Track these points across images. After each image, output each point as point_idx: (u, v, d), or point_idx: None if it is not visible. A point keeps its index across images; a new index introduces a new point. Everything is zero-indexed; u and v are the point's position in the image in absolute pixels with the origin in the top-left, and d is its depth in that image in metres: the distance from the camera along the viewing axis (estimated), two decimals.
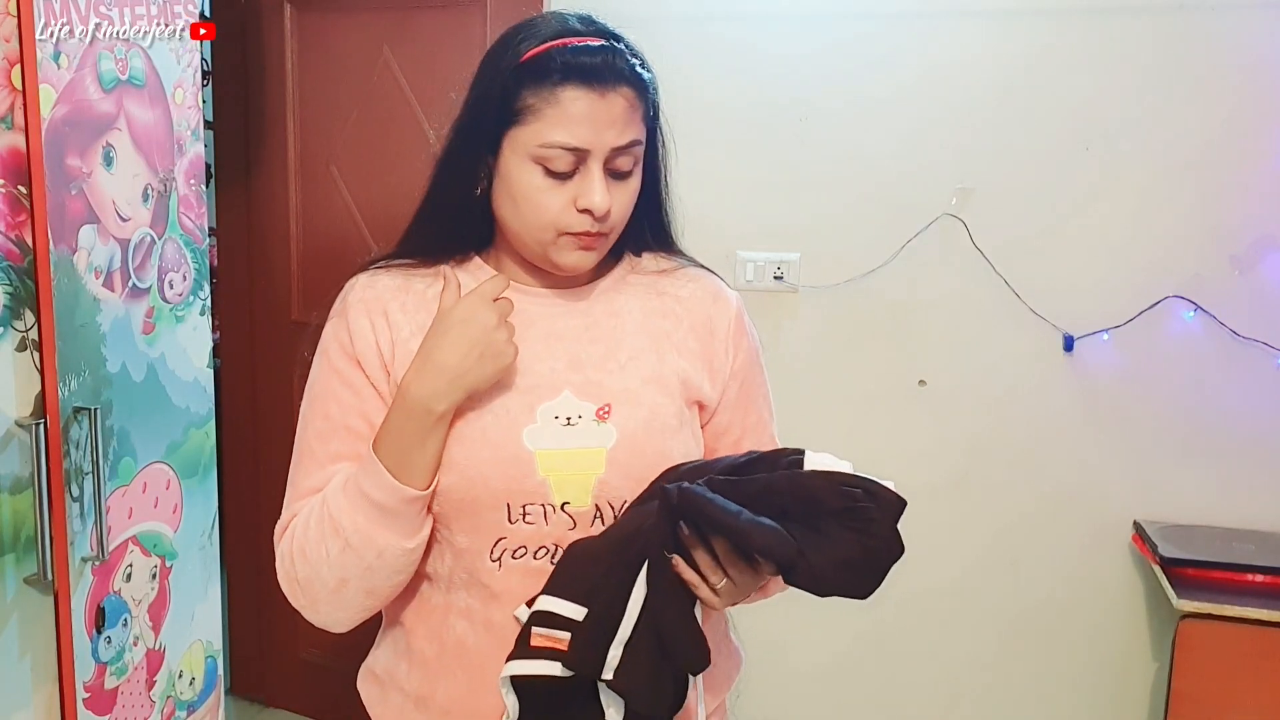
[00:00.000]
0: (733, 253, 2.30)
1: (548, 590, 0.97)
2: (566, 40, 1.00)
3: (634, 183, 1.04)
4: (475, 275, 1.10)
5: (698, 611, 0.95)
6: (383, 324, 1.06)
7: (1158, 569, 2.04)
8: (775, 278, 2.31)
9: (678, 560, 0.92)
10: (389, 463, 0.98)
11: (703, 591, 0.93)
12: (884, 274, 2.27)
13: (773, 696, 2.44)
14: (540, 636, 0.95)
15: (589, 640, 0.93)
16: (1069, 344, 2.21)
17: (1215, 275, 2.14)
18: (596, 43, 1.00)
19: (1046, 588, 2.29)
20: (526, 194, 1.01)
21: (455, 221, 1.09)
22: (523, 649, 0.96)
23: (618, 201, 1.02)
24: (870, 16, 2.22)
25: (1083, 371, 2.22)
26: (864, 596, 0.91)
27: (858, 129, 2.25)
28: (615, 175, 1.02)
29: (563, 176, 1.00)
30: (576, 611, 0.94)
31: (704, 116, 2.27)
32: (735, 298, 1.16)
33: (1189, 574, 1.98)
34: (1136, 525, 2.19)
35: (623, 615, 0.93)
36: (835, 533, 0.88)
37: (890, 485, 0.90)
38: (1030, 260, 2.21)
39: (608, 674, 0.92)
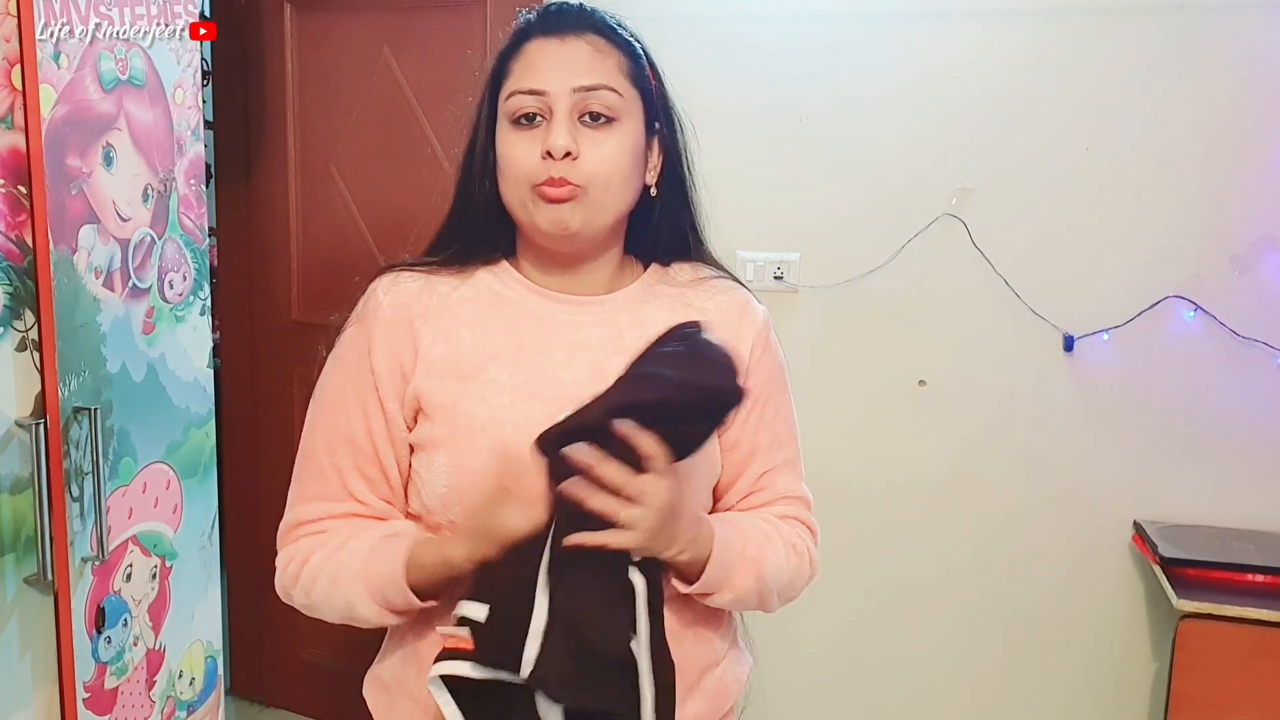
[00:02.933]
0: (733, 253, 2.29)
1: (463, 594, 0.96)
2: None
3: (616, 137, 1.03)
4: (501, 278, 1.10)
5: (638, 607, 0.95)
6: (405, 336, 1.06)
7: (1158, 569, 2.04)
8: (775, 278, 2.31)
9: (583, 534, 0.91)
10: (415, 583, 1.00)
11: (615, 539, 0.91)
12: (884, 274, 2.27)
13: (771, 695, 2.44)
14: (447, 637, 0.94)
15: (495, 637, 0.92)
16: (1069, 344, 2.21)
17: (1215, 275, 2.14)
18: (561, 4, 1.06)
19: (1046, 588, 2.29)
20: (503, 153, 1.04)
21: (477, 221, 1.09)
22: (441, 651, 0.95)
23: (593, 152, 1.01)
24: (870, 16, 2.22)
25: (1083, 371, 2.22)
26: (728, 398, 0.94)
27: (858, 129, 2.25)
28: (590, 123, 1.02)
29: (530, 126, 1.02)
30: (479, 611, 0.93)
31: (704, 116, 2.24)
32: (762, 313, 1.14)
33: (1189, 574, 1.98)
34: (1136, 525, 2.19)
35: (531, 613, 0.91)
36: (649, 370, 0.93)
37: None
38: (1030, 260, 2.21)
39: (524, 671, 0.90)
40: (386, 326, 1.06)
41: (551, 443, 0.92)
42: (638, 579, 0.96)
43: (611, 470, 0.90)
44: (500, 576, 0.94)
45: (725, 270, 1.16)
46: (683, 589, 1.04)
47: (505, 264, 1.11)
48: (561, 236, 1.04)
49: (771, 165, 2.30)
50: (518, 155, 1.02)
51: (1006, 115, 2.19)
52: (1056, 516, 2.26)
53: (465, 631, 0.93)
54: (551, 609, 0.91)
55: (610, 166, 1.02)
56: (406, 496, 1.09)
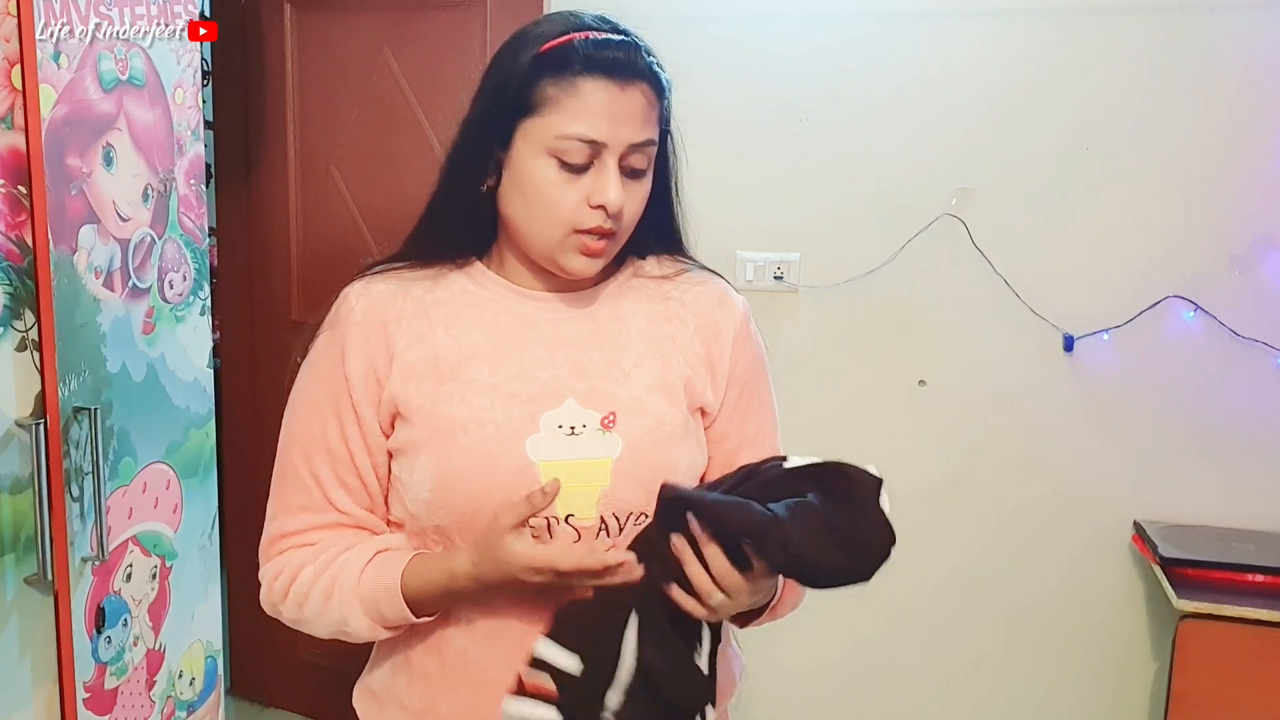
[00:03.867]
0: (733, 253, 2.29)
1: (549, 634, 0.95)
2: (588, 33, 0.99)
3: (646, 185, 1.03)
4: (476, 279, 1.08)
5: (702, 654, 0.95)
6: (379, 341, 1.04)
7: (1158, 569, 2.03)
8: (775, 278, 2.31)
9: (673, 587, 0.92)
10: (412, 596, 1.00)
11: (698, 610, 0.92)
12: (884, 274, 2.27)
13: (771, 697, 2.44)
14: (531, 681, 0.93)
15: (584, 691, 0.92)
16: (1069, 344, 2.21)
17: (1215, 275, 2.13)
18: (618, 37, 1.00)
19: (1046, 588, 2.29)
20: (539, 188, 1.00)
21: (461, 221, 1.07)
22: (520, 687, 0.94)
23: (629, 202, 1.01)
24: (870, 16, 2.22)
25: (1083, 371, 2.22)
26: (858, 577, 0.90)
27: (858, 129, 2.25)
28: (628, 175, 1.00)
29: (577, 170, 0.99)
30: (572, 663, 0.93)
31: (704, 116, 2.27)
32: (741, 302, 1.14)
33: (1189, 574, 1.98)
34: (1136, 525, 2.19)
35: (618, 661, 0.92)
36: (810, 510, 0.89)
37: (870, 468, 0.92)
38: (1030, 260, 2.21)
39: (608, 716, 0.92)
40: (360, 332, 1.05)
41: (676, 500, 0.92)
42: (706, 634, 0.97)
43: (717, 558, 0.91)
44: (593, 623, 0.94)
45: (696, 262, 1.16)
46: (736, 629, 1.06)
47: (478, 264, 1.09)
48: (584, 278, 1.05)
49: (771, 165, 2.30)
50: (563, 198, 0.99)
51: (1006, 115, 2.19)
52: (1056, 516, 2.26)
53: (546, 676, 0.93)
54: (638, 660, 0.92)
55: (639, 212, 1.03)
56: (387, 504, 1.08)
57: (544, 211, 1.00)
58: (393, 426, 1.05)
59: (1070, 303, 2.20)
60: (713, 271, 1.16)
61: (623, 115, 0.98)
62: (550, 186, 0.99)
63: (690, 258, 1.15)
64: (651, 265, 1.13)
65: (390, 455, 1.05)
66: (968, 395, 2.28)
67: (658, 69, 1.02)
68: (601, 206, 0.98)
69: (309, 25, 2.52)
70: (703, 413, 1.09)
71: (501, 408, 1.01)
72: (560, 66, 0.98)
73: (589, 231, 1.00)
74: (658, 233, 1.12)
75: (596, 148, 0.98)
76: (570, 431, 1.01)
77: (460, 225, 1.07)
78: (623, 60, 0.98)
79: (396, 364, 1.04)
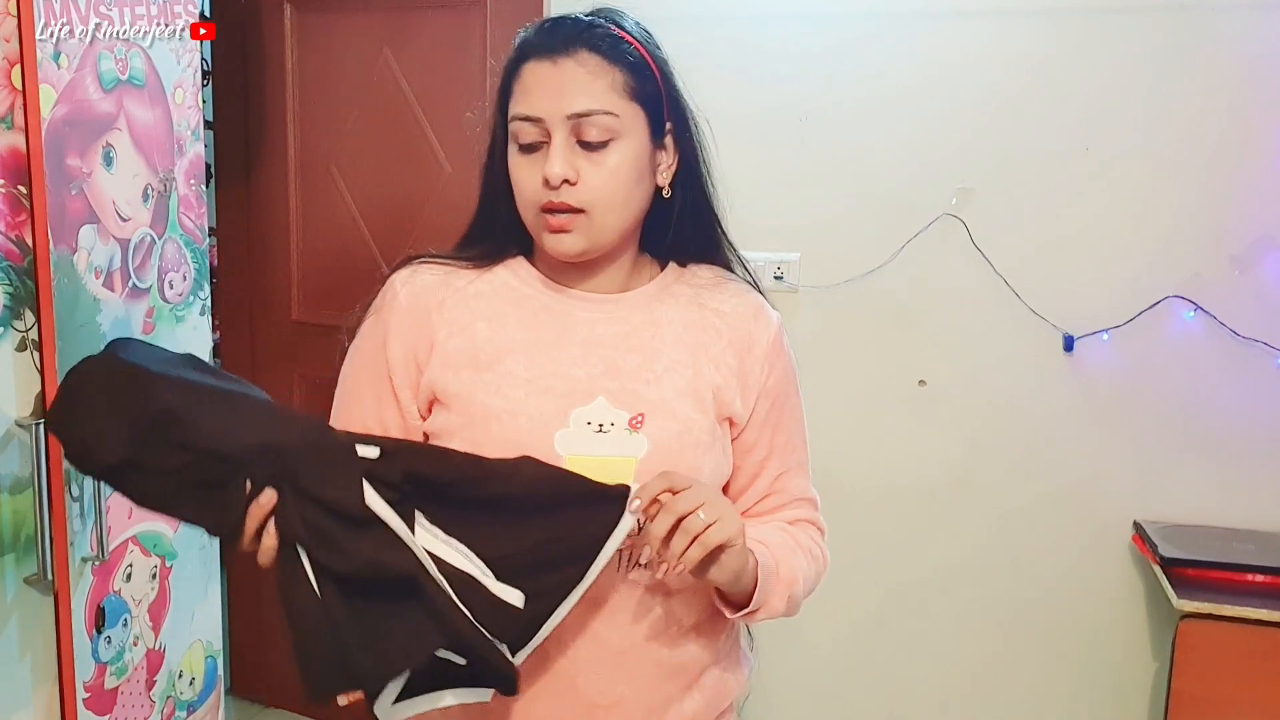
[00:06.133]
0: None
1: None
2: (535, 26, 1.06)
3: (611, 159, 1.02)
4: (518, 274, 1.12)
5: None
6: (422, 328, 1.07)
7: (1158, 569, 2.04)
8: (775, 278, 2.31)
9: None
10: None
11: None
12: (884, 274, 2.27)
13: (769, 696, 2.44)
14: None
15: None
16: (1069, 344, 2.21)
17: (1215, 275, 2.13)
18: (562, 17, 1.06)
19: (1046, 587, 2.29)
20: (513, 175, 1.05)
21: (500, 228, 1.10)
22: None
23: (593, 174, 1.01)
24: (870, 16, 2.22)
25: (1083, 371, 2.21)
26: None
27: (858, 129, 2.25)
28: (587, 147, 1.02)
29: (532, 150, 1.02)
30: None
31: (704, 116, 2.27)
32: (776, 318, 1.16)
33: (1189, 574, 1.98)
34: (1136, 525, 2.19)
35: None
36: None
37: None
38: (1030, 260, 2.21)
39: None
40: (402, 318, 1.08)
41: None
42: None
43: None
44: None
45: (748, 273, 1.18)
46: (730, 615, 1.06)
47: (523, 259, 1.13)
48: (566, 259, 1.06)
49: (771, 165, 2.30)
50: (522, 179, 1.03)
51: (1006, 115, 2.19)
52: (1057, 516, 2.26)
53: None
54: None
55: (610, 186, 1.03)
56: None
57: (518, 197, 1.05)
58: (430, 411, 1.08)
59: (1070, 303, 2.20)
60: (753, 283, 1.18)
61: (555, 88, 1.01)
62: (517, 171, 1.04)
63: (741, 265, 1.18)
64: (694, 273, 1.15)
65: (426, 438, 1.08)
66: (968, 395, 2.28)
67: (611, 37, 1.04)
68: (547, 182, 1.01)
69: (309, 25, 2.52)
70: (731, 423, 1.10)
71: (535, 401, 1.03)
72: (515, 63, 1.05)
73: (547, 209, 1.02)
74: (694, 230, 1.14)
75: (539, 124, 1.01)
76: (599, 429, 1.03)
77: (500, 231, 1.11)
78: (553, 36, 1.03)
79: (437, 352, 1.07)
